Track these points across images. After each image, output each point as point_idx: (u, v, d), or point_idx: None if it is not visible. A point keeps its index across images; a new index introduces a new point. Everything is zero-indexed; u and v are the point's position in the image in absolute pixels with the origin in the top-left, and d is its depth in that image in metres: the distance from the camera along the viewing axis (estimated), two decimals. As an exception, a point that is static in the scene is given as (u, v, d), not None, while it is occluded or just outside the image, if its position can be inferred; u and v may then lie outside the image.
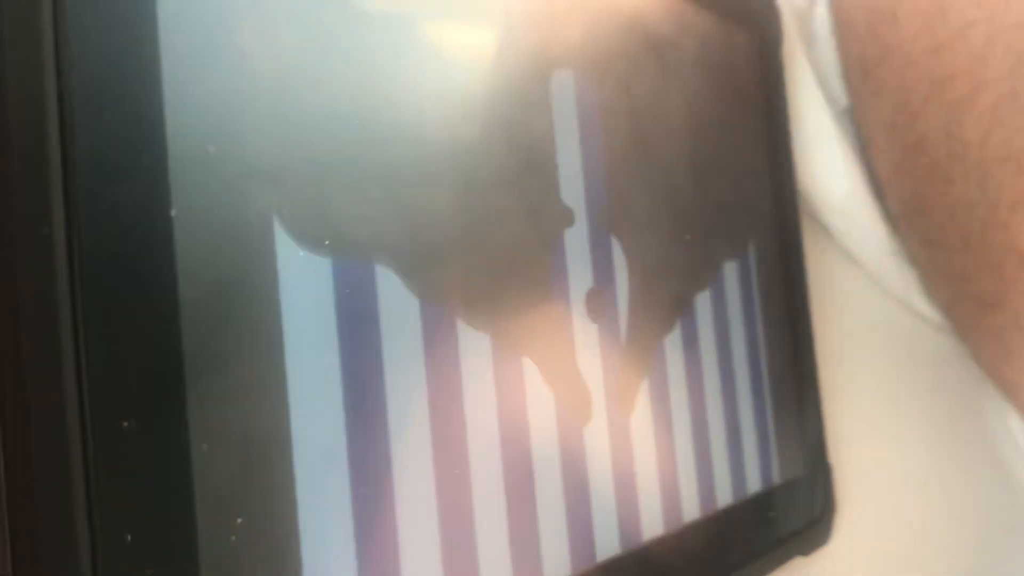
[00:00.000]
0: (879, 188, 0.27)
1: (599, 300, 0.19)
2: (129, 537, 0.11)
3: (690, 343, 0.21)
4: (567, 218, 0.18)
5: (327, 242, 0.13)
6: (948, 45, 0.22)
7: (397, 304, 0.15)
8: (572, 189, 0.18)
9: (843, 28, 0.26)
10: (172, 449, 0.12)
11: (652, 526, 0.20)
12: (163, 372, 0.12)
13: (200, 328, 0.12)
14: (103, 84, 0.11)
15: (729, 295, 0.23)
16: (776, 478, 0.25)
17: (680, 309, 0.21)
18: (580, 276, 0.18)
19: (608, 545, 0.19)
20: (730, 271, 0.23)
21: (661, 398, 0.21)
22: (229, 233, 0.12)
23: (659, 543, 0.20)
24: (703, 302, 0.22)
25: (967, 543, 0.32)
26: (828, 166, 0.26)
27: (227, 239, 0.12)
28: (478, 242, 0.16)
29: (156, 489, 0.11)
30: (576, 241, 0.18)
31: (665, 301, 0.20)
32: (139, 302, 0.11)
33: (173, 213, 0.12)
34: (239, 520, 0.12)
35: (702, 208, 0.22)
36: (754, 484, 0.24)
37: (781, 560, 0.25)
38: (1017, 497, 0.34)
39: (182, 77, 0.12)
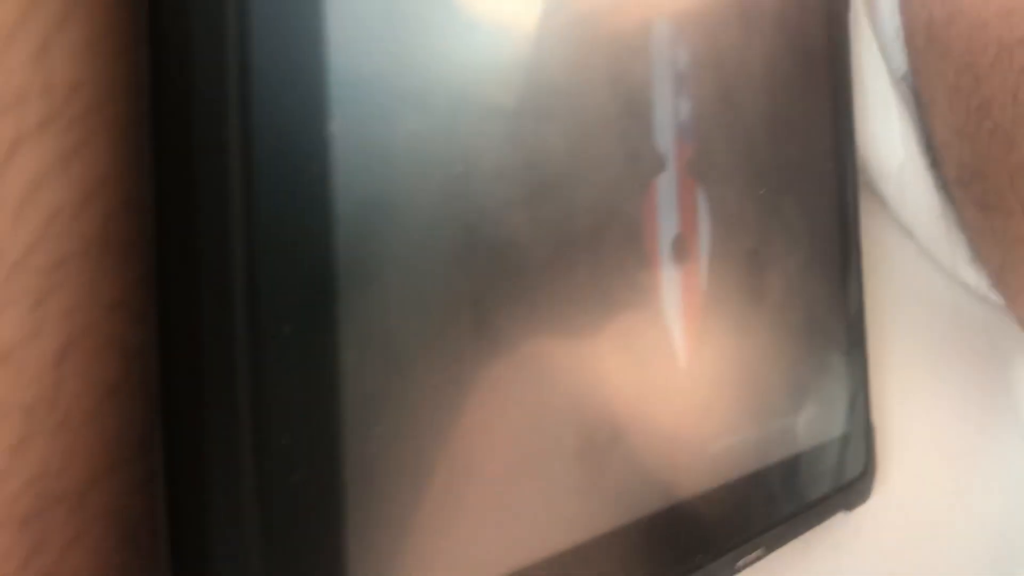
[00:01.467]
0: (935, 156, 0.27)
1: (684, 247, 0.19)
2: (285, 441, 0.12)
3: (758, 297, 0.22)
4: (660, 163, 0.18)
5: (460, 168, 0.14)
6: (1021, 8, 0.22)
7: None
8: (664, 137, 0.19)
9: None
10: (325, 355, 0.12)
11: (705, 478, 0.21)
12: (320, 280, 0.12)
13: (354, 240, 0.12)
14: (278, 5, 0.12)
15: (793, 254, 0.23)
16: (825, 435, 0.26)
17: (753, 262, 0.21)
18: (668, 222, 0.19)
19: (658, 496, 0.19)
20: (797, 230, 0.23)
21: (728, 349, 0.21)
22: (383, 149, 0.13)
23: (710, 495, 0.21)
24: (771, 258, 0.22)
25: (992, 511, 0.33)
26: (886, 133, 0.26)
27: (381, 154, 0.13)
28: (581, 178, 0.17)
29: (311, 394, 0.12)
30: (666, 187, 0.19)
31: (740, 253, 0.21)
32: (300, 212, 0.12)
33: (332, 128, 0.12)
34: (378, 428, 0.13)
35: (776, 164, 0.22)
36: (805, 440, 0.25)
37: (826, 514, 0.25)
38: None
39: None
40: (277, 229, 0.11)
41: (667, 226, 0.19)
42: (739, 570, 0.21)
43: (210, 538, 0.11)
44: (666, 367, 0.19)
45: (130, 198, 0.13)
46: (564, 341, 0.16)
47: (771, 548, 0.23)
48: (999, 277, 0.27)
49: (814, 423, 0.25)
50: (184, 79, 0.11)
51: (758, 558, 0.22)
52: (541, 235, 0.16)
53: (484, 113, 0.14)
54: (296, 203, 0.12)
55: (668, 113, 0.19)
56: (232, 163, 0.11)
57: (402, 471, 0.13)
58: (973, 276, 0.30)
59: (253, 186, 0.11)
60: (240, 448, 0.11)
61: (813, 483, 0.25)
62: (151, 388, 0.12)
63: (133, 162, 0.13)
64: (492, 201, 0.15)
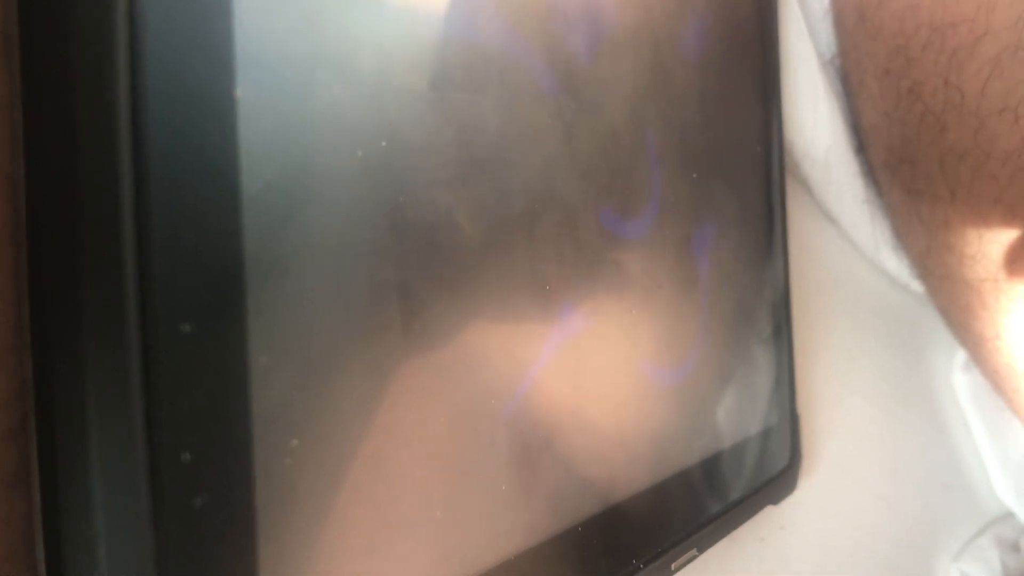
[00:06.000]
0: (862, 140, 0.27)
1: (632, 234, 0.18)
2: (185, 459, 0.10)
3: (692, 287, 0.21)
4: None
5: (383, 143, 0.12)
6: None
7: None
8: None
9: None
10: (231, 358, 0.10)
11: (638, 478, 0.19)
12: (224, 271, 0.10)
13: (264, 223, 0.11)
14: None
15: (724, 241, 0.23)
16: (754, 426, 0.25)
17: (687, 250, 0.20)
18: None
19: (591, 501, 0.18)
20: (727, 215, 0.22)
21: (664, 343, 0.20)
22: (297, 119, 0.11)
23: (643, 496, 0.19)
24: (704, 245, 0.21)
25: (908, 499, 0.33)
26: (813, 116, 0.26)
27: (294, 125, 0.11)
28: (518, 155, 0.15)
29: (216, 403, 0.10)
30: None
31: (676, 240, 0.20)
32: (201, 189, 0.10)
33: (237, 93, 0.10)
34: (295, 442, 0.11)
35: (707, 147, 0.21)
36: (735, 432, 0.24)
37: (755, 509, 0.25)
38: (953, 453, 0.35)
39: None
40: (173, 210, 0.10)
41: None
42: (674, 572, 0.20)
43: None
44: (605, 362, 0.18)
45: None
46: (499, 335, 0.15)
47: (704, 548, 0.22)
48: (923, 264, 0.27)
49: (743, 415, 0.24)
50: (61, 25, 0.09)
51: (692, 558, 0.21)
52: (476, 217, 0.14)
53: (411, 82, 0.13)
54: (196, 179, 0.10)
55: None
56: (120, 131, 0.09)
57: (324, 490, 0.11)
58: (895, 264, 0.29)
59: (144, 157, 0.09)
60: (132, 467, 0.10)
61: (742, 477, 0.24)
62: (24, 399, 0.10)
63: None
64: (421, 179, 0.13)
